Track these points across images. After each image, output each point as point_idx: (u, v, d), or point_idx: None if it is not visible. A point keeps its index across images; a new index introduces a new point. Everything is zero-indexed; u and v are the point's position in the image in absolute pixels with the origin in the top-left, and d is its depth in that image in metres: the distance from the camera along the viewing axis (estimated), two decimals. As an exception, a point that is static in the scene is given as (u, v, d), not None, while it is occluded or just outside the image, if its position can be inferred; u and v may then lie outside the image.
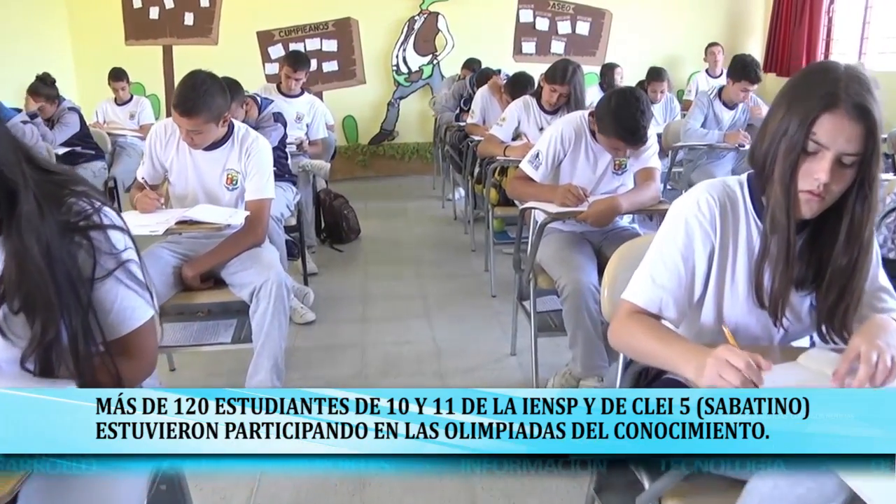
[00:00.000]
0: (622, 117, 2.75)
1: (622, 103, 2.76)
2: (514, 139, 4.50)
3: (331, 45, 8.25)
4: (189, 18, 8.07)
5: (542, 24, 8.48)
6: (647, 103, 2.78)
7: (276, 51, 8.15)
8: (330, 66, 8.29)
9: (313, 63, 7.91)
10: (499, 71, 6.27)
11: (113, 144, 6.34)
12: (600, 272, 2.90)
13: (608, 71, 7.77)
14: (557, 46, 8.56)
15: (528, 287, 3.11)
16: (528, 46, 8.53)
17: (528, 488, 2.50)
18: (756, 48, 8.82)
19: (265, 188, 3.06)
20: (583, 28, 8.54)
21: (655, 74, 6.06)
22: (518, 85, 5.09)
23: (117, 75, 6.73)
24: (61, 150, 5.51)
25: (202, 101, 2.79)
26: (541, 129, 4.40)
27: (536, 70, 8.05)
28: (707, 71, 7.94)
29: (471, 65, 7.46)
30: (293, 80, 5.35)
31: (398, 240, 5.90)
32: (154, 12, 8.05)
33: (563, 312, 2.90)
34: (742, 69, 4.87)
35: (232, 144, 3.06)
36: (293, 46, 8.01)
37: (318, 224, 5.74)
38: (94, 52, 7.93)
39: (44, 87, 5.47)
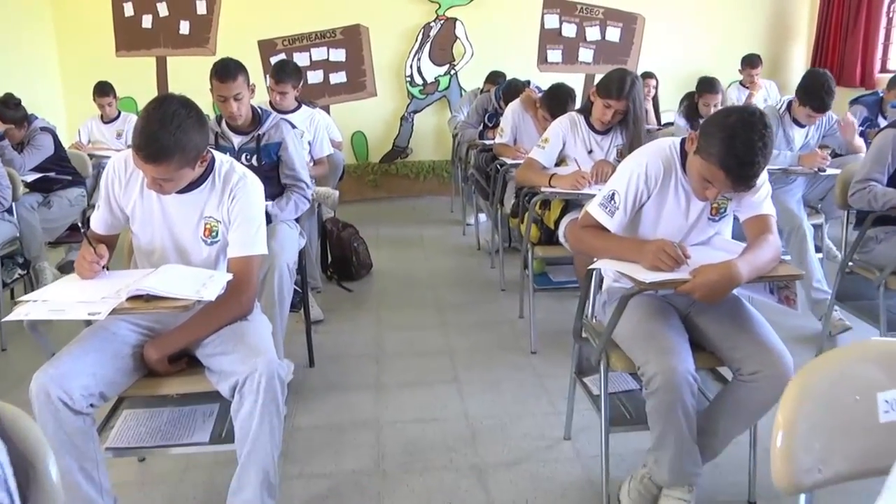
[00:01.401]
0: (738, 143, 2.01)
1: (744, 125, 2.02)
2: (557, 164, 3.78)
3: (339, 55, 7.56)
4: (185, 27, 7.41)
5: (569, 30, 7.77)
6: (772, 136, 2.03)
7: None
8: (338, 78, 7.60)
9: (319, 74, 7.32)
10: (528, 82, 5.56)
11: (96, 167, 5.65)
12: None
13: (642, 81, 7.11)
14: (586, 55, 7.85)
15: (597, 366, 2.38)
16: (554, 55, 7.82)
17: None
18: (800, 56, 8.12)
19: (254, 242, 2.35)
20: (613, 34, 7.83)
21: (708, 86, 5.32)
22: (557, 99, 4.38)
23: (103, 90, 6.05)
24: (31, 177, 4.81)
25: (173, 143, 2.09)
26: (590, 153, 3.71)
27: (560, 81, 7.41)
28: (742, 83, 7.21)
29: (494, 78, 6.76)
30: (277, 93, 4.67)
31: (415, 276, 5.17)
32: (147, 21, 7.39)
33: (647, 407, 2.18)
34: (809, 94, 4.08)
35: (212, 185, 2.35)
36: (298, 56, 7.38)
37: (325, 258, 5.04)
38: (82, 64, 7.29)
39: (7, 109, 4.76)
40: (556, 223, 3.64)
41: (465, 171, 6.22)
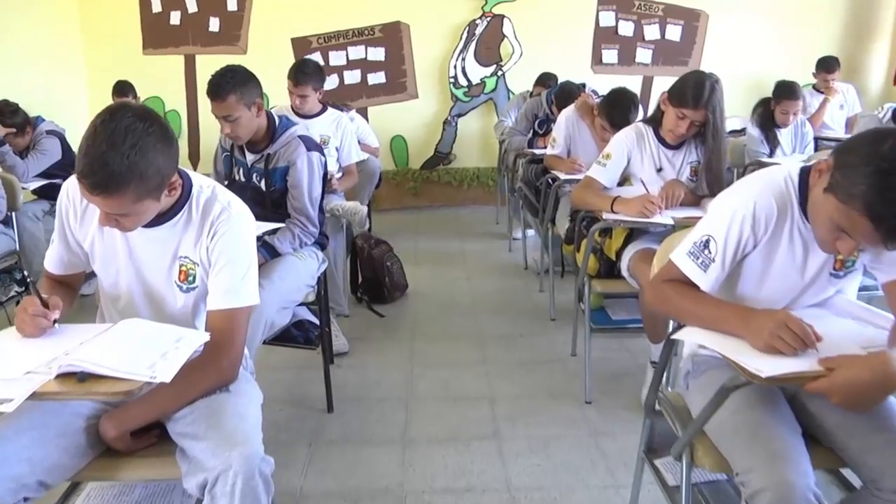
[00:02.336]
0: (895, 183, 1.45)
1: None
2: (619, 183, 3.24)
3: (378, 54, 7.08)
4: (214, 24, 6.99)
5: (626, 28, 7.18)
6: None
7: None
8: (376, 78, 7.12)
9: (357, 74, 6.87)
10: (583, 85, 5.01)
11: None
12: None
13: None
14: (644, 55, 7.26)
15: (677, 457, 1.83)
16: (610, 55, 7.24)
17: None
18: (882, 56, 7.41)
19: (240, 290, 1.84)
20: (673, 33, 7.23)
21: (787, 91, 4.72)
22: (618, 106, 3.83)
23: (121, 89, 5.66)
24: (36, 183, 4.41)
25: (126, 168, 1.58)
26: (659, 171, 3.16)
27: (618, 84, 6.83)
28: (815, 87, 6.52)
29: (545, 81, 6.21)
30: (297, 97, 4.19)
31: (454, 299, 4.65)
32: (175, 17, 6.99)
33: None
34: None
35: (188, 217, 1.86)
36: (334, 55, 6.96)
37: (354, 279, 4.55)
38: (108, 62, 6.94)
39: (2, 116, 4.36)
40: (619, 253, 3.10)
41: (512, 181, 5.70)
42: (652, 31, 7.20)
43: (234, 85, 2.74)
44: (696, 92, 2.93)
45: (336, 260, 3.88)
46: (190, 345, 1.66)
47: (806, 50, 6.99)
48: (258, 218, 3.01)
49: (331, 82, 7.01)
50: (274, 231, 2.94)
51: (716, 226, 1.77)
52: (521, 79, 6.96)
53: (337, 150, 4.39)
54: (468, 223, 6.85)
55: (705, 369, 1.89)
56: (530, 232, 5.47)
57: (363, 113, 7.07)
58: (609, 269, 3.17)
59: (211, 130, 7.06)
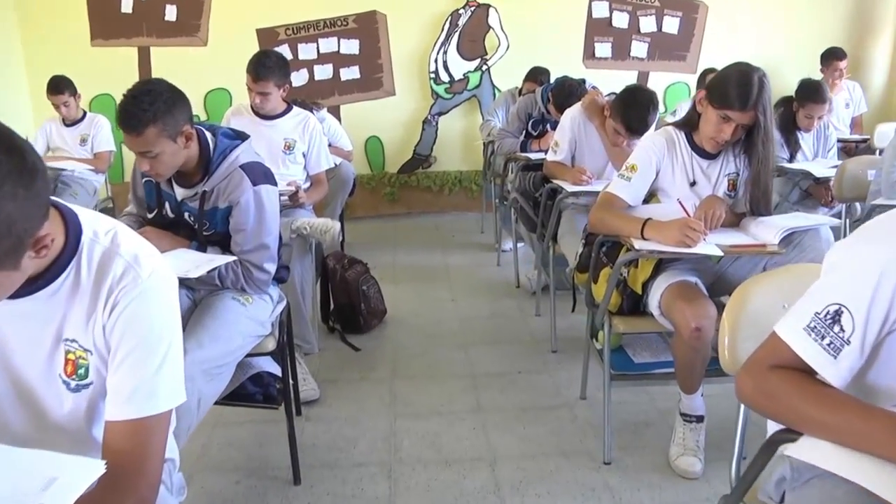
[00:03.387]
0: None
1: None
2: (646, 200, 2.68)
3: (351, 47, 6.48)
4: (171, 13, 6.35)
5: (621, 19, 6.64)
6: None
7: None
8: (350, 74, 6.51)
9: (328, 69, 6.30)
10: (582, 81, 4.45)
11: (53, 181, 4.63)
12: None
13: (705, 78, 5.99)
14: (639, 48, 6.72)
15: None
16: (603, 48, 6.70)
17: None
18: (884, 53, 6.93)
19: (156, 391, 1.25)
20: (671, 25, 6.70)
21: (814, 93, 4.18)
22: (635, 107, 3.27)
23: (56, 87, 5.00)
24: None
25: None
26: (693, 185, 2.63)
27: (611, 80, 6.31)
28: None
29: (536, 76, 5.65)
30: (257, 94, 3.61)
31: (440, 326, 4.08)
32: (127, 5, 6.33)
33: None
34: None
35: (74, 281, 1.25)
36: (303, 48, 6.39)
37: (326, 304, 3.97)
38: (52, 56, 6.22)
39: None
40: (645, 285, 2.54)
41: (502, 187, 5.13)
42: (648, 24, 6.67)
43: (154, 113, 2.09)
44: (743, 89, 2.38)
45: (303, 288, 3.30)
46: (67, 490, 1.06)
47: (809, 44, 6.50)
48: (198, 248, 2.44)
49: (300, 78, 6.41)
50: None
51: (850, 289, 1.21)
52: (507, 74, 6.39)
53: (304, 155, 3.81)
54: (451, 232, 6.28)
55: (810, 477, 1.32)
56: (520, 244, 4.91)
57: (335, 112, 6.46)
58: (634, 304, 2.61)
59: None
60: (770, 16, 6.73)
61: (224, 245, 2.45)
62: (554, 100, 4.35)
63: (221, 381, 2.28)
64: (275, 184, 2.47)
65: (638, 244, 2.34)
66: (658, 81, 6.73)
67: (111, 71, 6.36)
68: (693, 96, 2.64)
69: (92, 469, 1.11)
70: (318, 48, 6.42)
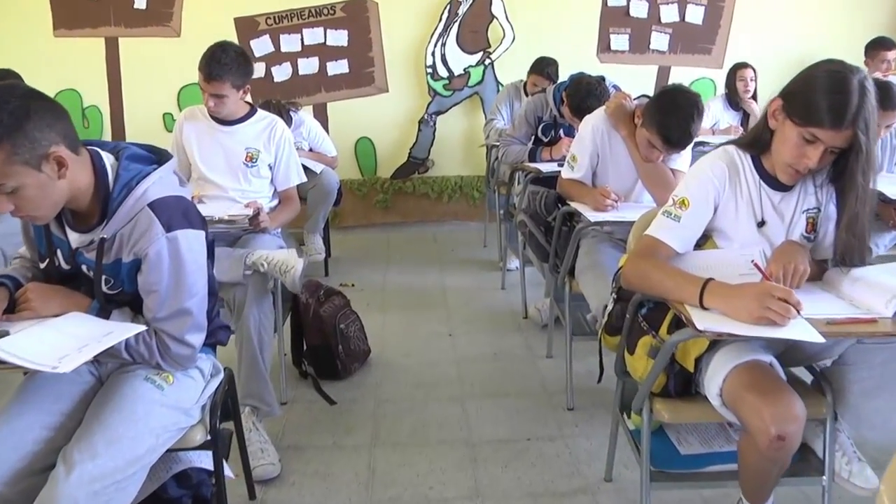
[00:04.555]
0: None
1: None
2: (700, 243, 2.04)
3: (339, 38, 5.82)
4: (141, 1, 5.69)
5: (639, 9, 5.98)
6: None
7: (262, 45, 5.76)
8: (337, 68, 5.85)
9: (313, 63, 5.68)
10: (602, 79, 3.80)
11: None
12: None
13: (736, 74, 5.41)
14: (659, 40, 6.06)
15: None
16: (620, 41, 6.04)
17: None
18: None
19: None
20: (695, 14, 6.03)
21: (884, 98, 3.45)
22: (674, 113, 2.63)
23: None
24: None
25: None
26: (761, 225, 2.02)
27: (628, 76, 5.66)
28: (867, 77, 5.37)
29: (542, 68, 5.00)
30: (210, 96, 2.98)
31: (434, 372, 3.44)
32: (92, -9, 5.69)
33: None
34: None
35: None
36: (286, 40, 5.78)
37: (298, 344, 3.36)
38: (9, 47, 5.61)
39: None
40: (700, 361, 1.90)
41: (507, 199, 4.50)
42: (669, 13, 6.00)
43: (4, 131, 1.49)
44: (838, 99, 1.74)
45: (260, 338, 2.67)
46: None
47: (852, 35, 5.85)
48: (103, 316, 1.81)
49: (282, 73, 5.77)
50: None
51: None
52: (512, 68, 5.73)
53: (271, 168, 3.18)
54: (450, 245, 5.64)
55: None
56: (529, 266, 4.27)
57: (321, 111, 5.84)
58: (683, 383, 1.97)
59: (141, 132, 5.82)
60: (806, 2, 6.06)
61: (137, 305, 1.82)
62: (569, 101, 3.71)
63: (125, 495, 1.66)
64: (200, 225, 1.82)
65: (698, 317, 1.68)
66: (680, 77, 6.07)
67: (76, 64, 5.82)
68: (769, 107, 1.92)
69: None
70: (302, 39, 5.75)
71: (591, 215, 2.73)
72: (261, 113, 3.20)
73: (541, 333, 3.78)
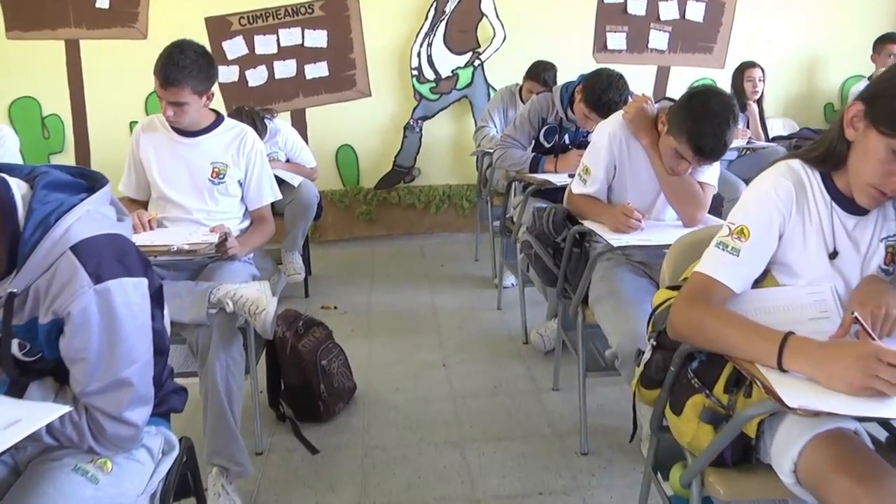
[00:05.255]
0: None
1: None
2: (757, 280, 1.68)
3: (318, 39, 5.43)
4: (103, 0, 5.27)
5: (637, 6, 5.63)
6: None
7: (235, 47, 5.36)
8: (316, 71, 5.46)
9: (290, 66, 5.32)
10: (619, 77, 3.41)
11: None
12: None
13: (743, 74, 5.08)
14: (658, 39, 5.72)
15: None
16: (617, 39, 5.69)
17: None
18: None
19: None
20: (695, 12, 5.70)
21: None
22: (707, 118, 2.27)
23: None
24: None
25: None
26: (833, 256, 1.68)
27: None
28: (871, 78, 5.09)
29: (539, 73, 4.64)
30: (168, 105, 2.60)
31: (428, 410, 3.07)
32: (50, -10, 5.28)
33: None
34: None
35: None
36: (261, 41, 5.41)
37: (276, 384, 2.98)
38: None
39: None
40: (763, 426, 1.54)
41: (503, 212, 4.13)
42: (669, 10, 5.66)
43: None
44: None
45: (229, 389, 2.30)
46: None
47: (853, 34, 5.58)
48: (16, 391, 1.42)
49: (257, 76, 5.38)
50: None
51: None
52: (504, 70, 5.37)
53: (241, 185, 2.81)
54: (439, 260, 5.26)
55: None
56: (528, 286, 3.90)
57: (300, 117, 5.46)
58: (742, 451, 1.61)
59: (107, 142, 5.41)
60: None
61: (62, 373, 1.43)
62: (586, 94, 3.27)
63: None
64: (140, 271, 1.44)
65: (781, 387, 1.31)
66: (680, 78, 5.74)
67: (34, 69, 5.37)
68: (845, 116, 1.56)
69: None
70: (278, 40, 5.36)
71: (612, 238, 2.36)
72: (229, 122, 2.82)
73: (544, 362, 3.43)
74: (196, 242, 2.41)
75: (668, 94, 5.06)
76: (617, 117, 2.59)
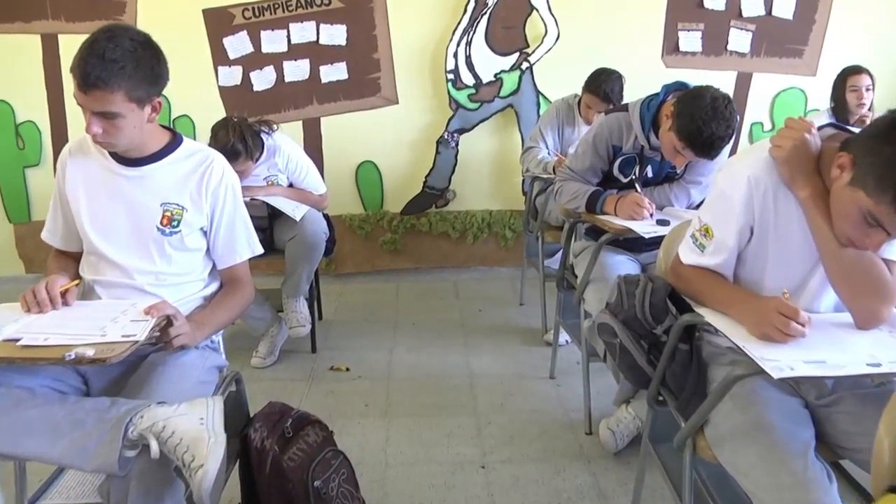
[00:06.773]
0: None
1: None
2: None
3: (336, 35, 4.62)
4: (87, -11, 4.56)
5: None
6: None
7: (238, 45, 4.56)
8: (334, 73, 4.65)
9: (303, 67, 4.56)
10: (727, 105, 2.51)
11: None
12: None
13: (846, 82, 4.22)
14: (740, 39, 4.81)
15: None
16: (690, 39, 4.80)
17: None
18: None
19: None
20: (784, 7, 4.78)
21: None
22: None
23: None
24: None
25: None
26: None
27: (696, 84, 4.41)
28: None
29: (598, 84, 3.79)
30: (91, 116, 1.77)
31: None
32: (24, -23, 4.56)
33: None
34: None
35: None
36: (268, 37, 4.64)
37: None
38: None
39: None
40: None
41: (563, 258, 3.25)
42: (753, 4, 4.75)
43: None
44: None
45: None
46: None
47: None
48: None
49: (263, 79, 4.58)
50: None
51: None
52: (557, 75, 4.53)
53: (204, 234, 1.99)
54: (476, 303, 4.41)
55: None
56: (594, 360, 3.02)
57: (313, 127, 4.63)
58: None
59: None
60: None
61: None
62: (680, 124, 2.40)
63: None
64: None
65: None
66: (763, 87, 4.85)
67: (6, 69, 4.72)
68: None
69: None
70: (288, 36, 4.55)
71: (768, 359, 1.46)
72: (189, 145, 1.99)
73: (616, 466, 2.57)
74: (110, 342, 1.57)
75: (741, 111, 4.20)
76: (763, 155, 1.68)
